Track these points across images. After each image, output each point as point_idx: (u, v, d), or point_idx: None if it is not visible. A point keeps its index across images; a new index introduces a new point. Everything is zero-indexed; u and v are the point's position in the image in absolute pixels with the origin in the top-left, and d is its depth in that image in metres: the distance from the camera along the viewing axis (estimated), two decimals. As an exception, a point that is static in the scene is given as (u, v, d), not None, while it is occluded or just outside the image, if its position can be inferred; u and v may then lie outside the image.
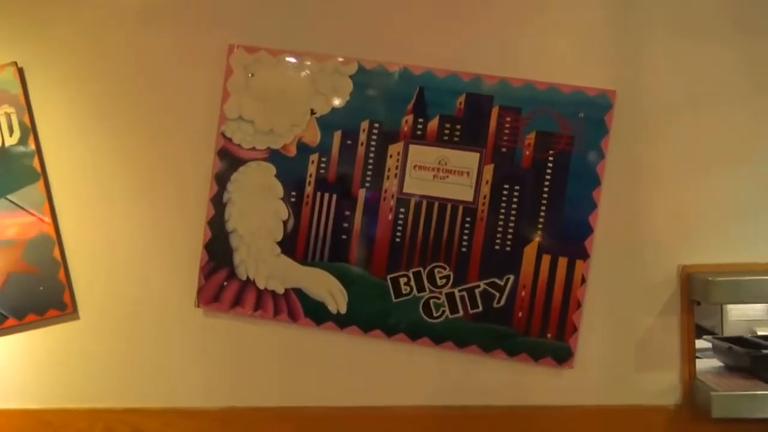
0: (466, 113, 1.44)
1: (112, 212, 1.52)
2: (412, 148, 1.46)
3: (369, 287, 1.47)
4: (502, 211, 1.44)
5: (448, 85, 1.44)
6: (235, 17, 1.49)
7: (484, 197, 1.45)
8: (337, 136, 1.47)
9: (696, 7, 1.43)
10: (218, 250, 1.49)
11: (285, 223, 1.48)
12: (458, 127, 1.45)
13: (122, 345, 1.53)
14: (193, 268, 1.50)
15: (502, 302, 1.45)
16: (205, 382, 1.52)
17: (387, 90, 1.46)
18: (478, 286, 1.45)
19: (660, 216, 1.45)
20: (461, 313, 1.46)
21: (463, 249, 1.45)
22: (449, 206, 1.46)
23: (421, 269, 1.46)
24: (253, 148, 1.48)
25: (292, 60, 1.48)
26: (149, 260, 1.52)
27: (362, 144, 1.47)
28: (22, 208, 1.51)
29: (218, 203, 1.49)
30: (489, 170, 1.44)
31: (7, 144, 1.51)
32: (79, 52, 1.52)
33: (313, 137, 1.47)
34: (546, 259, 1.44)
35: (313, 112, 1.47)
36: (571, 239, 1.43)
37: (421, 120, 1.45)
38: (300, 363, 1.51)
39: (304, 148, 1.47)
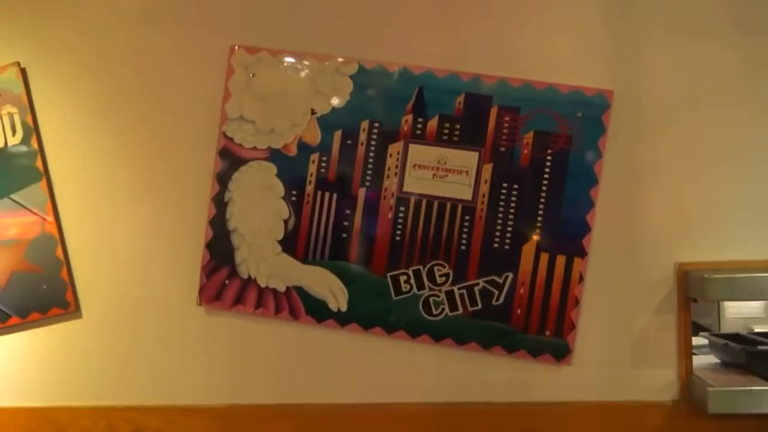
0: (465, 113, 1.46)
1: (115, 211, 1.54)
2: (412, 147, 1.47)
3: (369, 285, 1.48)
4: (501, 209, 1.46)
5: (448, 85, 1.46)
6: (236, 18, 1.50)
7: (483, 196, 1.46)
8: (338, 135, 1.48)
9: (693, 8, 1.45)
10: (220, 249, 1.50)
11: (286, 222, 1.49)
12: (457, 126, 1.46)
13: (125, 343, 1.54)
14: (195, 266, 1.51)
15: (501, 300, 1.46)
16: (207, 379, 1.54)
17: (387, 90, 1.47)
18: (478, 284, 1.47)
19: (657, 214, 1.46)
20: (461, 310, 1.47)
21: (463, 247, 1.46)
22: (448, 205, 1.47)
23: (421, 267, 1.47)
24: (254, 148, 1.49)
25: (292, 60, 1.49)
26: (151, 259, 1.53)
27: (362, 143, 1.48)
28: (25, 208, 1.52)
29: (219, 202, 1.50)
30: (488, 169, 1.46)
31: (10, 144, 1.52)
32: (82, 53, 1.53)
33: (314, 137, 1.49)
34: (544, 257, 1.45)
35: (313, 112, 1.48)
36: (569, 237, 1.44)
37: (420, 120, 1.46)
38: (301, 361, 1.52)
39: (304, 148, 1.49)
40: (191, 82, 1.51)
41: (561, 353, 1.46)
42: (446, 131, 1.46)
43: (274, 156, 1.49)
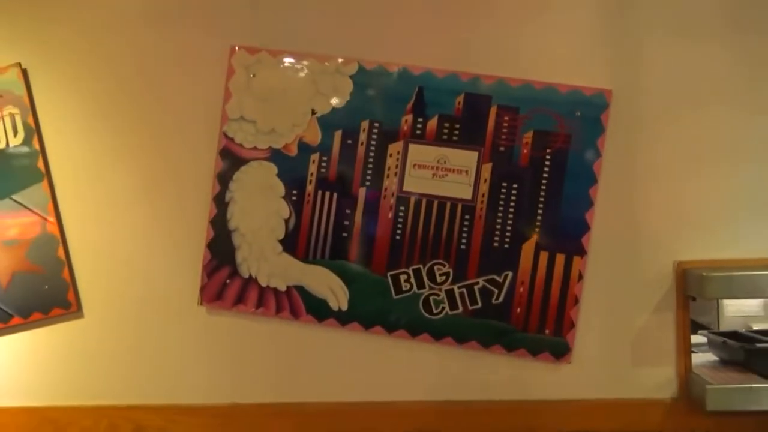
0: (464, 113, 1.46)
1: (116, 211, 1.54)
2: (412, 147, 1.48)
3: (370, 284, 1.49)
4: (501, 208, 1.46)
5: (447, 85, 1.46)
6: (237, 18, 1.51)
7: (483, 195, 1.47)
8: (338, 135, 1.49)
9: (691, 8, 1.45)
10: (221, 249, 1.51)
11: (286, 221, 1.50)
12: (457, 126, 1.47)
13: (126, 343, 1.55)
14: (196, 266, 1.52)
15: (501, 299, 1.47)
16: (208, 379, 1.54)
17: (387, 90, 1.48)
18: (477, 283, 1.47)
19: (656, 213, 1.47)
20: (461, 309, 1.48)
21: (462, 246, 1.47)
22: (448, 204, 1.48)
23: (421, 266, 1.48)
24: (255, 148, 1.50)
25: (292, 60, 1.49)
26: (152, 259, 1.54)
27: (362, 143, 1.49)
28: (27, 208, 1.53)
29: (220, 202, 1.51)
30: (487, 169, 1.46)
31: (11, 144, 1.53)
32: (83, 54, 1.53)
33: (314, 137, 1.49)
34: (544, 256, 1.46)
35: (313, 112, 1.49)
36: (569, 236, 1.45)
37: (420, 119, 1.47)
38: (302, 360, 1.53)
39: (305, 148, 1.49)
40: (192, 82, 1.52)
41: (560, 352, 1.47)
42: (446, 131, 1.47)
43: (275, 156, 1.50)
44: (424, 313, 1.48)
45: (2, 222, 1.53)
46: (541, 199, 1.45)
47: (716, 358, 1.59)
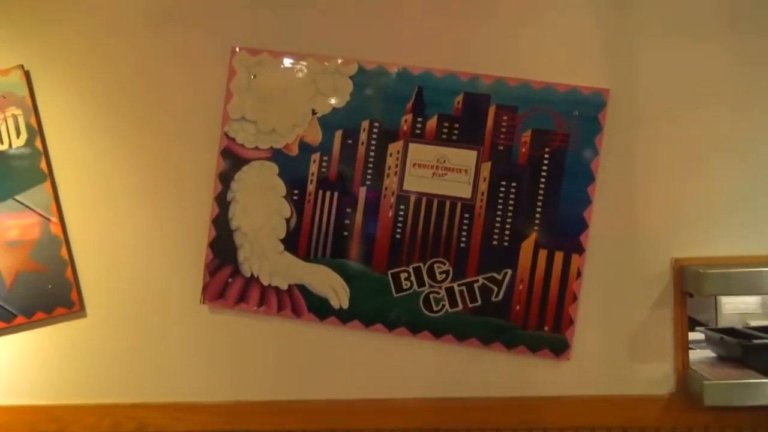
0: (463, 112, 1.48)
1: (119, 211, 1.55)
2: (412, 146, 1.49)
3: (370, 283, 1.50)
4: (500, 207, 1.48)
5: (446, 84, 1.48)
6: (238, 20, 1.52)
7: (482, 194, 1.48)
8: (338, 135, 1.50)
9: (688, 8, 1.47)
10: (223, 248, 1.52)
11: (288, 220, 1.51)
12: (456, 125, 1.48)
13: (129, 342, 1.56)
14: (198, 265, 1.53)
15: (501, 296, 1.48)
16: (211, 377, 1.56)
17: (386, 90, 1.49)
18: (477, 281, 1.49)
19: (653, 211, 1.48)
20: (460, 307, 1.49)
21: (462, 244, 1.48)
22: (448, 203, 1.49)
23: (421, 265, 1.49)
24: (256, 148, 1.51)
25: (293, 61, 1.51)
26: (155, 258, 1.55)
27: (362, 143, 1.50)
28: (30, 209, 1.54)
29: (222, 202, 1.52)
30: (486, 168, 1.48)
31: (14, 145, 1.54)
32: (86, 55, 1.55)
33: (315, 137, 1.50)
34: (542, 253, 1.47)
35: (314, 112, 1.50)
36: (567, 234, 1.46)
37: (420, 119, 1.48)
38: (303, 357, 1.54)
39: (305, 148, 1.51)
40: (193, 83, 1.53)
41: (560, 348, 1.48)
42: (445, 130, 1.48)
43: (276, 156, 1.51)
44: (425, 311, 1.49)
45: (6, 222, 1.54)
46: (540, 198, 1.47)
47: (713, 355, 1.60)
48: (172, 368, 1.56)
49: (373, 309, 1.50)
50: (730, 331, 1.59)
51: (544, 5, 1.48)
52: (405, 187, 1.49)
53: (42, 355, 1.57)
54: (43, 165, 1.54)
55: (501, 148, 1.47)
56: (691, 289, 1.44)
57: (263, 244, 1.51)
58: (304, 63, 1.50)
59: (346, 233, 1.50)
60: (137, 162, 1.55)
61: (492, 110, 1.47)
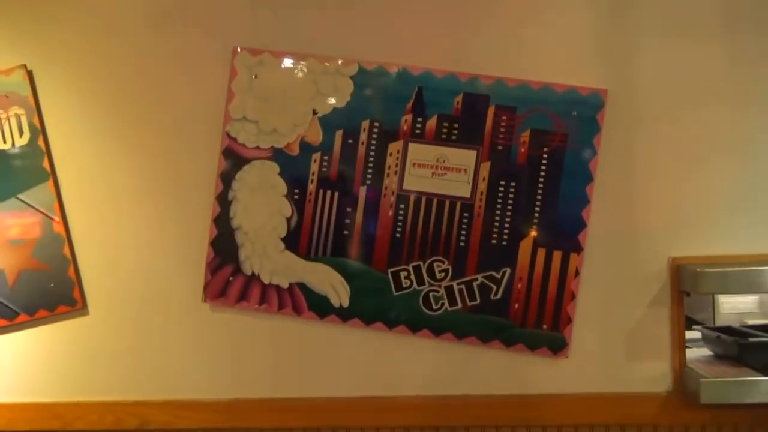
0: (463, 112, 1.49)
1: (120, 211, 1.57)
2: (412, 146, 1.50)
3: (370, 281, 1.51)
4: (499, 206, 1.49)
5: (446, 85, 1.49)
6: (239, 20, 1.53)
7: (481, 193, 1.49)
8: (339, 135, 1.51)
9: (685, 8, 1.48)
10: (224, 247, 1.53)
11: (288, 219, 1.53)
12: (456, 125, 1.49)
13: (131, 339, 1.57)
14: (200, 264, 1.54)
15: (499, 295, 1.49)
16: (212, 374, 1.57)
17: (386, 90, 1.50)
18: (476, 280, 1.50)
19: (651, 210, 1.49)
20: (460, 305, 1.50)
21: (461, 243, 1.50)
22: (447, 202, 1.50)
23: (421, 263, 1.50)
24: (257, 148, 1.52)
25: (294, 61, 1.52)
26: (157, 257, 1.56)
27: (363, 143, 1.51)
28: (33, 207, 1.55)
29: (223, 201, 1.53)
30: (486, 167, 1.49)
31: (17, 144, 1.55)
32: (88, 55, 1.56)
33: (316, 136, 1.52)
34: (541, 252, 1.48)
35: (315, 112, 1.51)
36: (565, 233, 1.48)
37: (419, 119, 1.50)
38: (304, 355, 1.55)
39: (306, 147, 1.52)
40: (195, 83, 1.54)
41: (558, 346, 1.49)
42: (445, 130, 1.49)
43: (277, 155, 1.52)
44: (424, 309, 1.51)
45: (8, 221, 1.55)
46: (539, 197, 1.48)
47: (710, 353, 1.61)
48: (174, 366, 1.57)
49: (373, 307, 1.52)
50: (727, 330, 1.60)
51: (543, 6, 1.49)
52: (405, 187, 1.50)
53: (44, 352, 1.58)
54: (46, 164, 1.55)
55: (500, 148, 1.48)
56: (688, 288, 1.45)
57: (264, 243, 1.53)
58: (305, 63, 1.51)
59: (346, 232, 1.52)
60: (139, 162, 1.56)
61: (491, 110, 1.48)
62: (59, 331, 1.58)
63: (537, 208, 1.48)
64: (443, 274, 1.50)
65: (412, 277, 1.51)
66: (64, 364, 1.58)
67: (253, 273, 1.53)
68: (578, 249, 1.48)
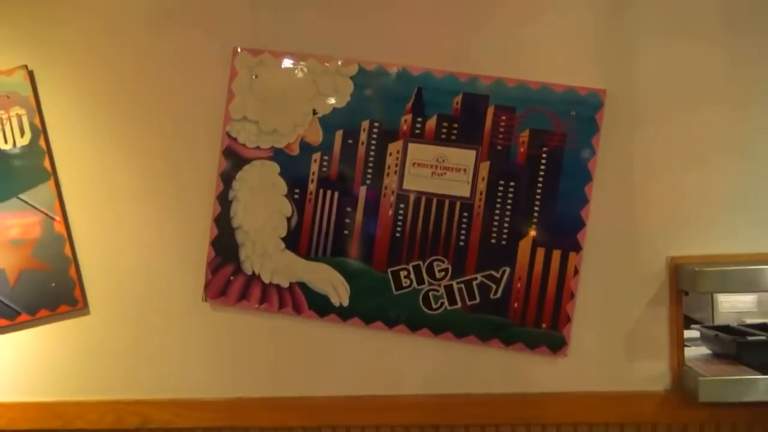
0: (462, 112, 1.49)
1: (121, 210, 1.57)
2: (411, 146, 1.51)
3: (370, 280, 1.52)
4: (498, 206, 1.49)
5: (446, 85, 1.49)
6: (239, 21, 1.54)
7: (481, 193, 1.50)
8: (339, 135, 1.52)
9: (683, 8, 1.48)
10: (224, 247, 1.54)
11: (289, 219, 1.53)
12: (455, 125, 1.50)
13: (132, 339, 1.58)
14: (200, 263, 1.55)
15: (499, 294, 1.50)
16: (212, 373, 1.57)
17: (386, 90, 1.51)
18: (476, 279, 1.50)
19: (649, 210, 1.50)
20: (459, 304, 1.51)
21: (461, 243, 1.50)
22: (447, 202, 1.51)
23: (421, 263, 1.51)
24: (258, 148, 1.53)
25: (294, 62, 1.52)
26: (157, 256, 1.57)
27: (363, 143, 1.52)
28: (34, 207, 1.55)
29: (224, 201, 1.54)
30: (485, 167, 1.49)
31: (18, 144, 1.56)
32: (89, 56, 1.56)
33: (316, 136, 1.52)
34: (540, 252, 1.49)
35: (315, 112, 1.52)
36: (565, 233, 1.48)
37: (419, 119, 1.50)
38: (304, 354, 1.56)
39: (306, 147, 1.52)
40: (195, 83, 1.55)
41: (557, 345, 1.50)
42: (444, 130, 1.50)
43: (277, 155, 1.53)
44: (424, 309, 1.51)
45: (9, 221, 1.56)
46: (538, 197, 1.48)
47: (709, 352, 1.62)
48: (175, 365, 1.58)
49: (373, 306, 1.52)
50: (725, 329, 1.61)
51: (542, 7, 1.50)
52: (405, 187, 1.51)
53: (45, 352, 1.59)
54: (47, 164, 1.55)
55: (499, 147, 1.49)
56: (686, 287, 1.46)
57: (264, 243, 1.53)
58: (305, 63, 1.52)
59: (346, 232, 1.52)
60: (140, 162, 1.57)
61: (490, 110, 1.49)
62: (60, 330, 1.58)
63: (536, 208, 1.49)
64: (443, 274, 1.51)
65: (412, 276, 1.51)
66: (65, 363, 1.59)
67: (253, 272, 1.54)
68: (577, 248, 1.48)
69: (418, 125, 1.50)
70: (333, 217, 1.52)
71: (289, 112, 1.52)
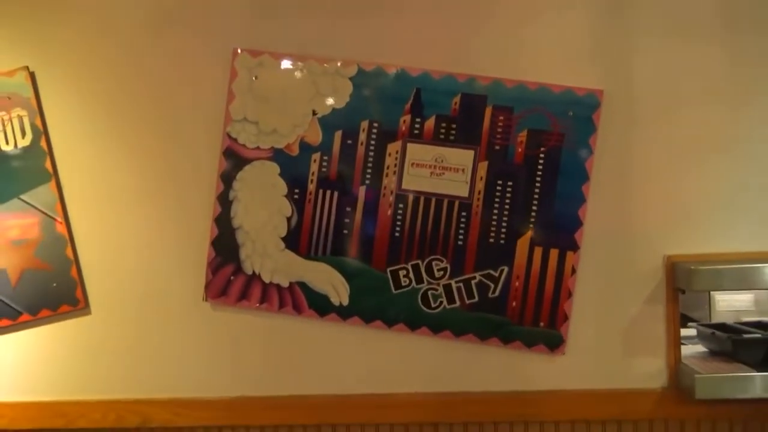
0: (461, 113, 1.50)
1: (123, 210, 1.58)
2: (410, 146, 1.52)
3: (370, 280, 1.53)
4: (496, 205, 1.51)
5: (444, 85, 1.50)
6: (239, 22, 1.55)
7: (479, 193, 1.51)
8: (338, 135, 1.53)
9: (679, 10, 1.49)
10: (225, 246, 1.55)
11: (289, 219, 1.54)
12: (454, 126, 1.51)
13: (133, 338, 1.59)
14: (201, 263, 1.56)
15: (497, 293, 1.51)
16: (213, 372, 1.58)
17: (385, 91, 1.52)
18: (474, 278, 1.52)
19: (646, 209, 1.51)
20: (458, 303, 1.52)
21: (460, 242, 1.51)
22: (445, 202, 1.52)
23: (420, 262, 1.52)
24: (258, 148, 1.54)
25: (293, 63, 1.53)
26: (158, 256, 1.58)
27: (362, 143, 1.53)
28: (35, 208, 1.56)
29: (224, 201, 1.54)
30: (483, 167, 1.51)
31: (20, 145, 1.56)
32: (90, 57, 1.57)
33: (315, 137, 1.53)
34: (538, 251, 1.50)
35: (314, 113, 1.53)
36: (562, 232, 1.49)
37: (418, 119, 1.51)
38: (304, 353, 1.57)
39: (306, 148, 1.53)
40: (195, 84, 1.56)
41: (555, 343, 1.51)
42: (443, 131, 1.51)
43: (277, 156, 1.54)
44: (423, 308, 1.52)
45: (11, 221, 1.56)
46: (536, 196, 1.50)
47: (705, 350, 1.63)
48: (175, 365, 1.59)
49: (373, 306, 1.53)
50: (721, 327, 1.62)
51: (540, 8, 1.51)
52: (404, 187, 1.52)
53: (47, 352, 1.60)
54: (48, 165, 1.56)
55: (497, 147, 1.50)
56: (682, 285, 1.47)
57: (265, 243, 1.54)
58: (305, 64, 1.53)
59: (346, 231, 1.53)
60: (140, 162, 1.58)
61: (489, 111, 1.50)
62: (61, 330, 1.59)
63: (534, 207, 1.50)
64: (442, 273, 1.52)
65: (411, 275, 1.52)
66: (66, 363, 1.59)
67: (253, 272, 1.55)
68: (575, 247, 1.49)
69: (417, 125, 1.51)
70: (332, 217, 1.53)
71: (289, 112, 1.53)
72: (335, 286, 1.54)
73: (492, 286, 1.51)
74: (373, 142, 1.52)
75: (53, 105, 1.57)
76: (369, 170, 1.53)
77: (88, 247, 1.58)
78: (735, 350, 1.50)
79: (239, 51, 1.53)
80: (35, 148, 1.56)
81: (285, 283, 1.55)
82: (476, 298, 1.51)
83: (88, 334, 1.59)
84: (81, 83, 1.57)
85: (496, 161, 1.50)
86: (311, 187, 1.53)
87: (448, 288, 1.52)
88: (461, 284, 1.52)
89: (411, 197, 1.52)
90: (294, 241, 1.54)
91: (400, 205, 1.52)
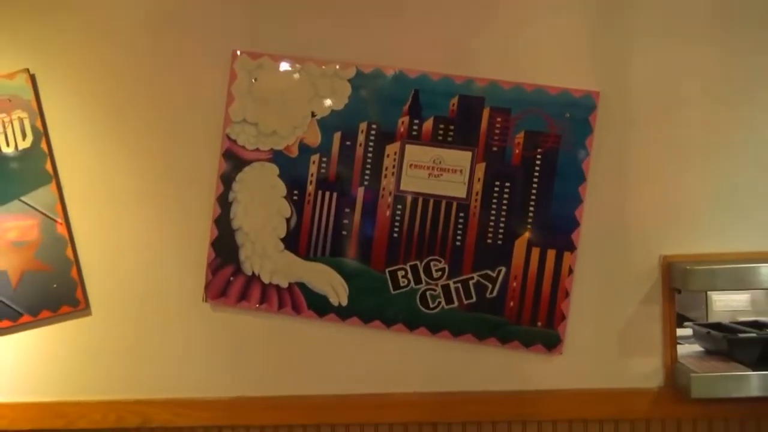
0: (458, 114, 1.51)
1: (122, 212, 1.59)
2: (408, 147, 1.53)
3: (369, 280, 1.54)
4: (494, 206, 1.52)
5: (442, 87, 1.51)
6: (238, 24, 1.56)
7: (477, 194, 1.52)
8: (337, 137, 1.54)
9: (675, 11, 1.51)
10: (224, 247, 1.56)
11: (288, 220, 1.55)
12: (451, 127, 1.52)
13: (133, 339, 1.59)
14: (201, 264, 1.56)
15: (495, 293, 1.52)
16: (213, 373, 1.59)
17: (383, 92, 1.53)
18: (472, 278, 1.53)
19: (642, 209, 1.52)
20: (456, 303, 1.53)
21: (458, 243, 1.52)
22: (443, 203, 1.53)
23: (418, 263, 1.53)
24: (257, 150, 1.55)
25: (292, 65, 1.54)
26: (159, 258, 1.58)
27: (361, 144, 1.54)
28: (36, 209, 1.57)
29: (224, 202, 1.55)
30: (481, 168, 1.52)
31: (20, 147, 1.57)
32: (89, 59, 1.58)
33: (314, 138, 1.54)
34: (535, 251, 1.51)
35: (313, 115, 1.54)
36: (559, 232, 1.51)
37: (416, 121, 1.52)
38: (303, 354, 1.58)
39: (305, 149, 1.54)
40: (195, 86, 1.56)
41: (552, 343, 1.52)
42: (441, 132, 1.52)
43: (276, 157, 1.54)
44: (421, 308, 1.53)
45: (11, 223, 1.57)
46: (533, 197, 1.51)
47: (701, 349, 1.65)
48: (175, 365, 1.59)
49: (372, 306, 1.54)
50: (717, 326, 1.63)
51: (536, 11, 1.52)
52: (402, 188, 1.53)
53: (47, 353, 1.60)
54: (49, 167, 1.57)
55: (495, 149, 1.51)
56: (678, 285, 1.48)
57: (264, 244, 1.55)
58: (304, 66, 1.54)
59: (344, 232, 1.54)
60: (140, 164, 1.58)
61: (486, 112, 1.51)
62: (62, 331, 1.59)
63: (531, 208, 1.51)
64: (440, 273, 1.53)
65: (410, 276, 1.53)
66: (66, 363, 1.60)
67: (253, 273, 1.56)
68: (572, 248, 1.51)
69: (415, 127, 1.52)
70: (331, 218, 1.54)
71: (288, 114, 1.54)
72: (334, 287, 1.55)
73: (490, 286, 1.52)
74: (371, 144, 1.53)
75: (53, 107, 1.58)
76: (367, 171, 1.54)
77: (89, 249, 1.59)
78: (731, 349, 1.51)
79: (239, 53, 1.54)
80: (35, 149, 1.57)
81: (284, 284, 1.55)
82: (474, 299, 1.52)
83: (89, 335, 1.59)
84: (81, 85, 1.58)
85: (494, 162, 1.51)
86: (310, 188, 1.54)
87: (446, 288, 1.53)
88: (459, 285, 1.53)
89: (409, 198, 1.53)
90: (293, 242, 1.55)
91: (399, 206, 1.53)
